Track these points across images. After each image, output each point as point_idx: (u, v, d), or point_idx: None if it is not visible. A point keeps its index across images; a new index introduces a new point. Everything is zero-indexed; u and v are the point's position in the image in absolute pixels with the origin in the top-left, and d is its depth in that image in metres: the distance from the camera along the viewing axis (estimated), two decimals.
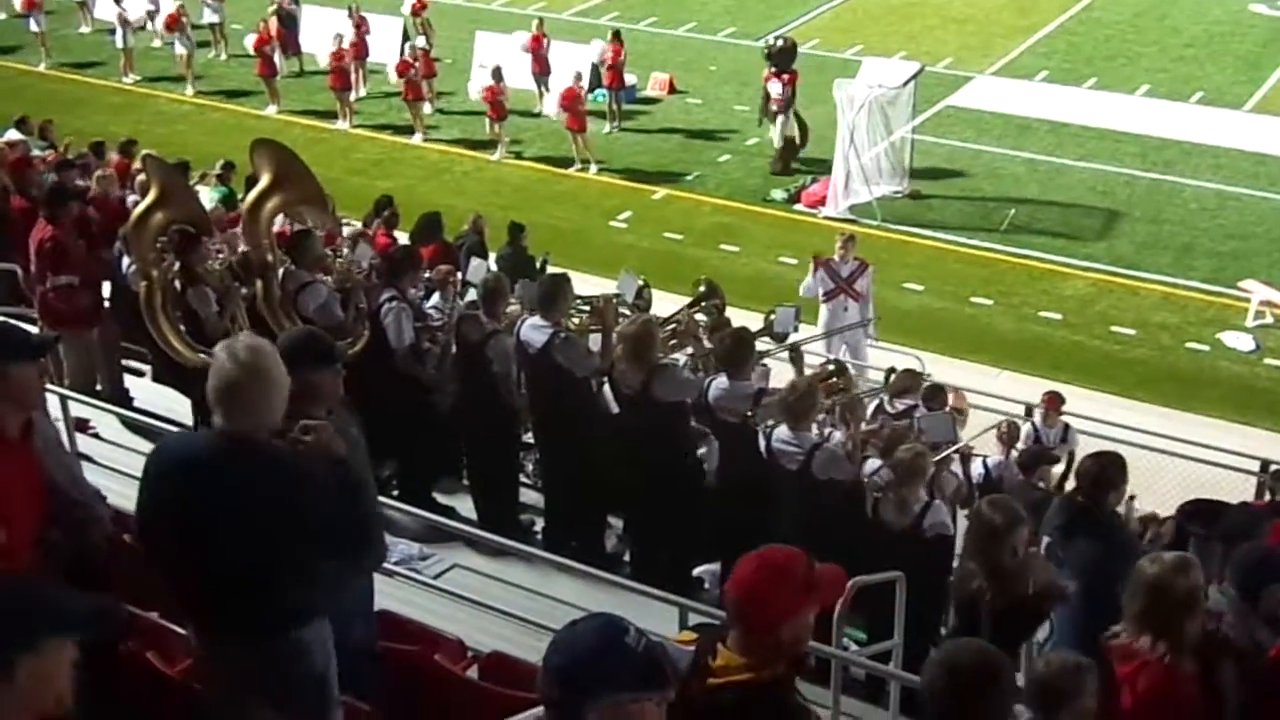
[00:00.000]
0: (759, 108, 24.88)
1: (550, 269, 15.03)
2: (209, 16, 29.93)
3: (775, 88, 23.79)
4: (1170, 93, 27.20)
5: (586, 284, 13.16)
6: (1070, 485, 10.46)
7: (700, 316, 11.29)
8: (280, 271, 10.04)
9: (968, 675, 4.35)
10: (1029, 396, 13.96)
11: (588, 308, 10.70)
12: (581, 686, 3.42)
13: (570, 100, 24.04)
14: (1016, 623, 6.74)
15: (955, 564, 8.20)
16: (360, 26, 27.63)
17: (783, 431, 9.10)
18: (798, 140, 24.15)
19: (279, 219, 10.71)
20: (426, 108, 26.42)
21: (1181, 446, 13.17)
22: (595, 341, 9.97)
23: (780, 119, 23.93)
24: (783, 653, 4.26)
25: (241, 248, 10.97)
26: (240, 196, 16.76)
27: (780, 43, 24.58)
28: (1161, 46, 29.80)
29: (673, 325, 10.81)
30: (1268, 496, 11.17)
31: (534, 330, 9.73)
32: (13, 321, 6.24)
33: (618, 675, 3.43)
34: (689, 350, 10.64)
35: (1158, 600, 5.47)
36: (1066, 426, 12.89)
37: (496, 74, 24.70)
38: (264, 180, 9.93)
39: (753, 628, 4.23)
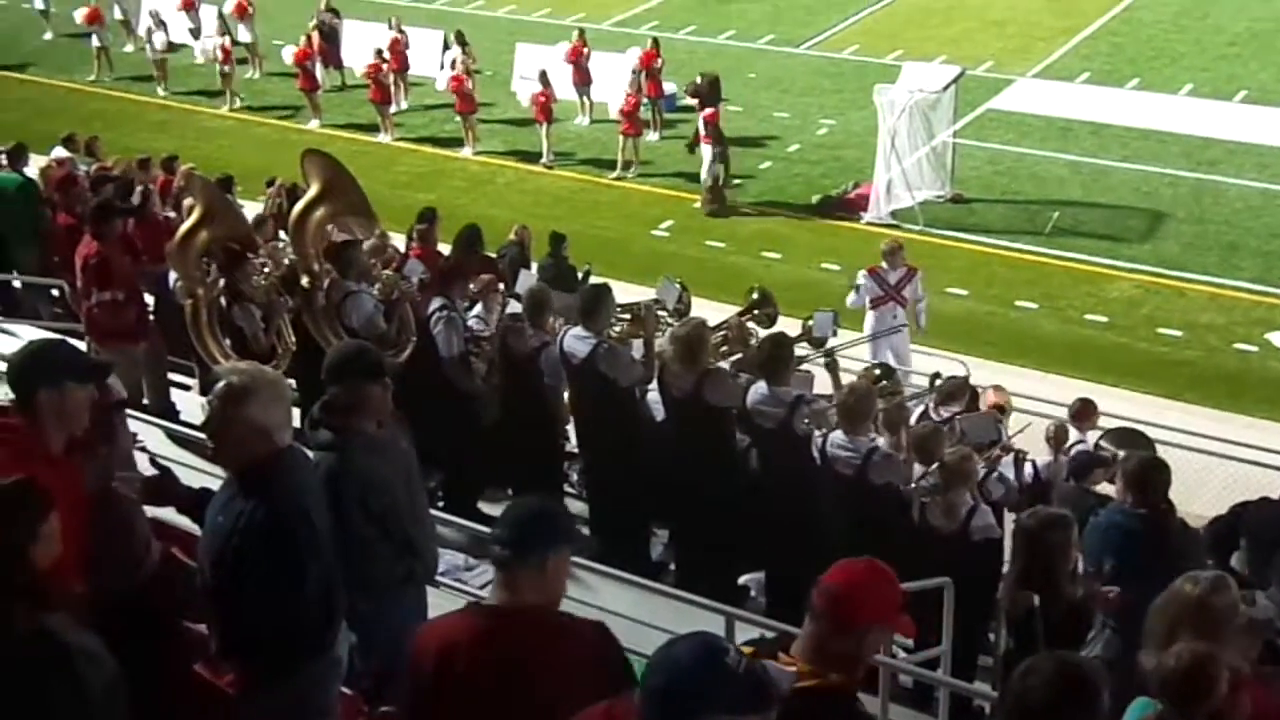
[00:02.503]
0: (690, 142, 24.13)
1: (592, 280, 15.05)
2: (243, 35, 30.15)
3: (701, 126, 22.91)
4: (1213, 92, 26.99)
5: (629, 293, 13.17)
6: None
7: (752, 325, 11.27)
8: (326, 282, 10.09)
9: (1064, 689, 4.18)
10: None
11: (628, 316, 10.70)
12: (683, 708, 3.39)
13: (631, 108, 24.24)
14: (1072, 635, 6.68)
15: (1004, 569, 8.16)
16: (399, 40, 27.74)
17: (838, 436, 9.07)
18: (720, 181, 23.11)
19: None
20: None
21: (1231, 448, 13.06)
22: (637, 349, 9.98)
23: (708, 155, 22.83)
24: (852, 660, 4.25)
25: (287, 260, 11.07)
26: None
27: (701, 78, 23.79)
28: (1204, 45, 29.57)
29: (723, 332, 10.79)
30: None
31: (577, 341, 9.75)
32: (72, 342, 6.33)
33: (720, 697, 3.39)
34: (737, 357, 10.62)
35: (1203, 621, 5.44)
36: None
37: (543, 78, 24.87)
38: (312, 190, 9.99)
39: (841, 624, 4.19)
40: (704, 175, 22.83)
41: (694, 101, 27.34)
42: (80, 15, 30.94)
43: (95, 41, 30.87)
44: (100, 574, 5.47)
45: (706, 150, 22.71)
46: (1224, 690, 5.06)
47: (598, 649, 4.58)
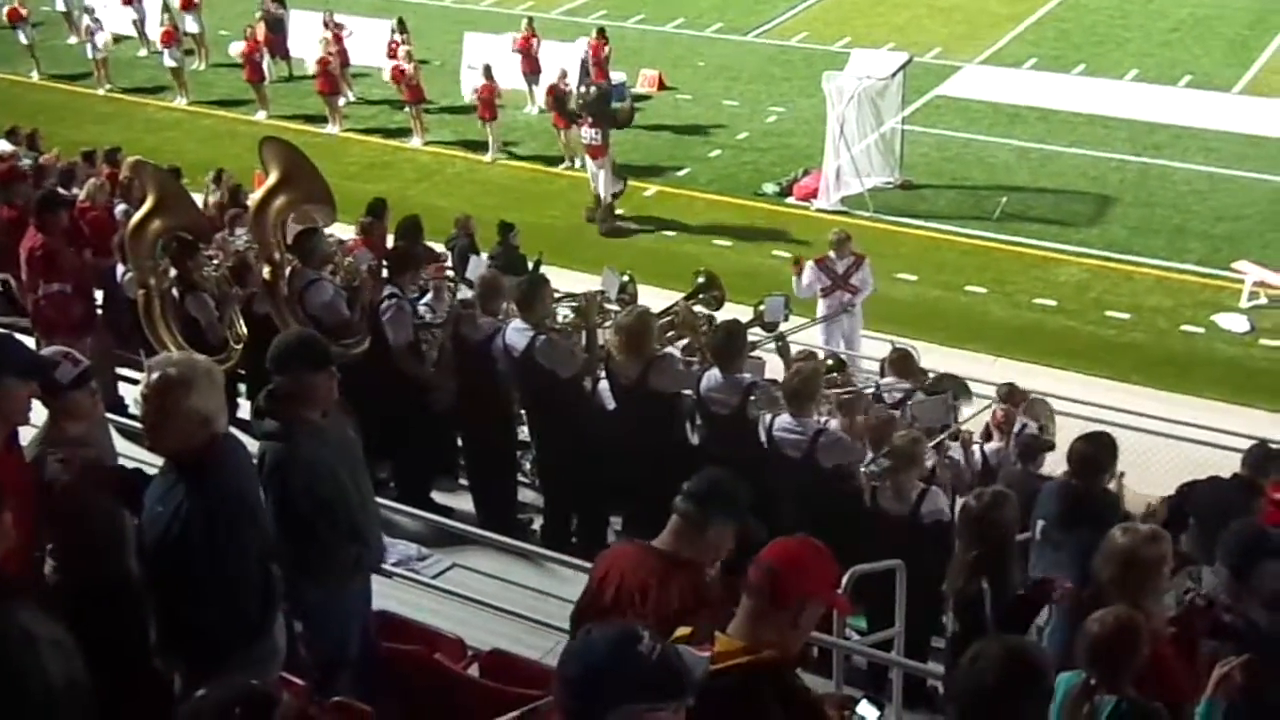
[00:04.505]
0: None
1: (544, 269, 15.03)
2: (190, 26, 29.89)
3: (587, 133, 21.64)
4: (1158, 77, 27.23)
5: (580, 283, 13.16)
6: None
7: (699, 309, 11.28)
8: (287, 270, 10.04)
9: (1012, 673, 4.23)
10: (1026, 384, 13.90)
11: (574, 306, 10.70)
12: (596, 697, 3.40)
13: (554, 97, 24.02)
14: (1019, 619, 6.73)
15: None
16: (338, 33, 27.50)
17: (785, 419, 9.06)
18: (618, 192, 22.12)
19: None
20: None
21: (1179, 429, 13.17)
22: (581, 339, 9.98)
23: (602, 168, 21.78)
24: (788, 636, 4.29)
25: (236, 247, 11.00)
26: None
27: (592, 90, 22.84)
28: (1148, 31, 29.83)
29: (669, 317, 10.79)
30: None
31: (516, 333, 9.71)
32: (17, 336, 6.30)
33: (633, 684, 3.40)
34: (685, 341, 10.62)
35: (1127, 568, 5.56)
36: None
37: (487, 72, 24.68)
38: (271, 178, 9.91)
39: (777, 599, 4.27)
40: (603, 190, 21.91)
41: (651, 90, 27.50)
42: (3, 13, 30.56)
43: (23, 39, 30.58)
44: (67, 563, 5.45)
45: (590, 164, 21.97)
46: (1146, 652, 5.16)
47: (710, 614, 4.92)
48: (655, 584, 5.19)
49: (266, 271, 9.99)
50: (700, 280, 11.57)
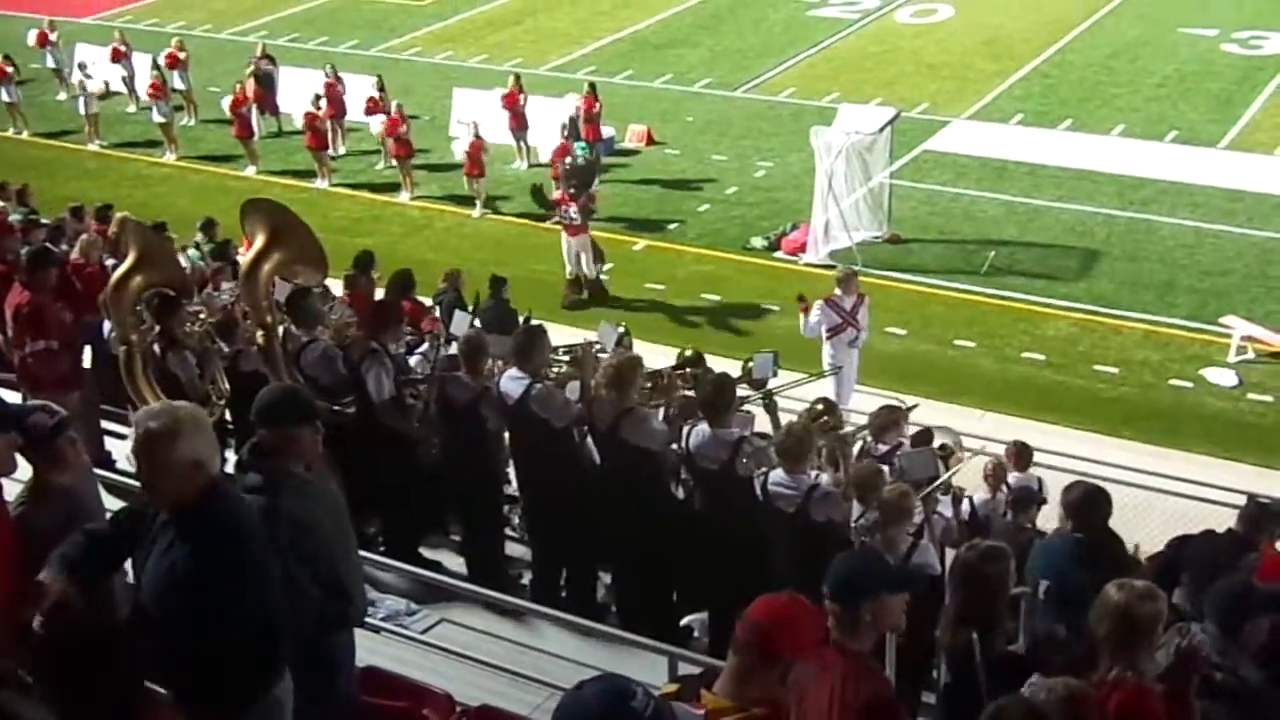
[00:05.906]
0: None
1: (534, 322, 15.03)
2: (176, 83, 29.94)
3: (566, 213, 21.25)
4: (1145, 132, 27.32)
5: (570, 336, 13.16)
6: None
7: (680, 381, 11.28)
8: (280, 330, 10.03)
9: None
10: (1014, 437, 13.92)
11: (568, 357, 10.68)
12: None
13: (560, 156, 24.06)
14: (1012, 676, 6.69)
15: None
16: (336, 86, 27.70)
17: (778, 475, 9.07)
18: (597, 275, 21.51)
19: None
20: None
21: (1168, 483, 13.17)
22: (574, 390, 9.96)
23: (583, 247, 21.27)
24: (777, 693, 4.25)
25: (222, 303, 10.97)
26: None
27: (581, 160, 22.73)
28: (1135, 87, 29.96)
29: (652, 380, 10.77)
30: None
31: (511, 382, 9.71)
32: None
33: None
34: (663, 403, 10.59)
35: (1122, 625, 5.53)
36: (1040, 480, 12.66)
37: (475, 130, 24.79)
38: (259, 241, 9.88)
39: (766, 656, 4.24)
40: (571, 265, 21.43)
41: (639, 145, 27.60)
42: None
43: (5, 97, 30.54)
44: (54, 615, 5.39)
45: (569, 243, 21.39)
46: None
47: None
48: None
49: (260, 335, 9.96)
50: (688, 354, 11.59)
